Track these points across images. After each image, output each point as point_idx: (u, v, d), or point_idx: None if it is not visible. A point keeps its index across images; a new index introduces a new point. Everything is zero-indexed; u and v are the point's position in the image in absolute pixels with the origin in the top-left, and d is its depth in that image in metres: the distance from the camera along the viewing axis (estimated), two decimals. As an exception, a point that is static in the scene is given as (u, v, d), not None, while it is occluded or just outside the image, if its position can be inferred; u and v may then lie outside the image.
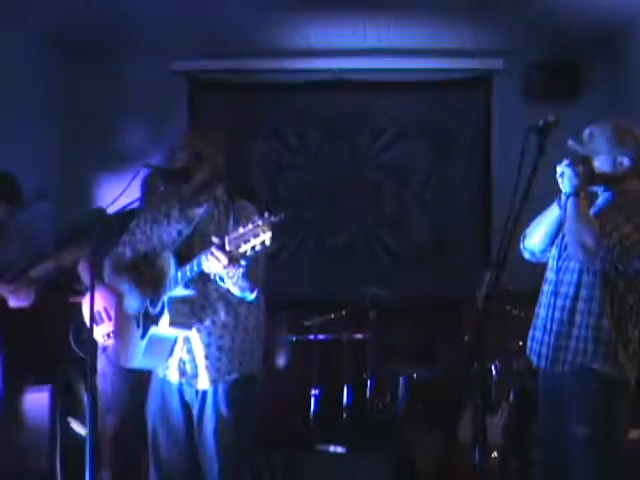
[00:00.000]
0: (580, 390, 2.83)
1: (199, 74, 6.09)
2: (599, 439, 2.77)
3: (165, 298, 2.99)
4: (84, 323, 3.98)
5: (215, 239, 2.71)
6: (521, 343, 4.20)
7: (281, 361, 5.28)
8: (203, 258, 2.80)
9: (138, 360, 3.12)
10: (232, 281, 2.86)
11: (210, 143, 3.16)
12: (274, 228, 2.58)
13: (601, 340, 2.80)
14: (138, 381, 3.64)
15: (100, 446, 3.93)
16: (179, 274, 2.94)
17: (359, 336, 5.20)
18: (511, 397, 4.40)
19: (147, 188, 4.06)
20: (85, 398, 3.95)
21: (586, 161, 2.83)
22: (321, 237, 6.07)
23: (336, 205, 6.05)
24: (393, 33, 5.53)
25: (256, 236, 2.59)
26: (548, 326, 2.91)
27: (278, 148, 6.12)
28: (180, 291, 2.97)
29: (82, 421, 4.10)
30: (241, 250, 2.63)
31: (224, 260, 2.70)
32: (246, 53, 5.86)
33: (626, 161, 2.84)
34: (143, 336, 3.08)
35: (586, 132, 2.87)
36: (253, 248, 2.61)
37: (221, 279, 2.89)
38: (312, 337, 5.18)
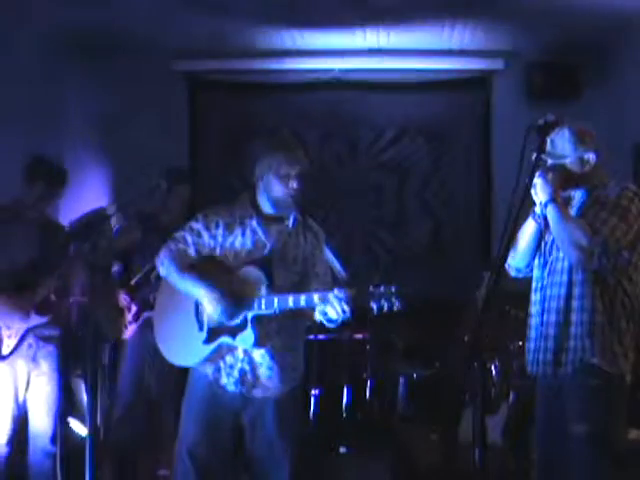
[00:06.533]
0: (579, 387, 2.84)
1: (199, 74, 6.09)
2: (598, 436, 2.78)
3: (249, 315, 2.98)
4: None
5: (342, 286, 2.87)
6: (521, 343, 4.20)
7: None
8: (317, 296, 2.86)
9: (196, 362, 3.11)
10: (332, 321, 2.96)
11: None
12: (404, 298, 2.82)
13: (596, 335, 2.82)
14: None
15: (100, 445, 3.93)
16: (276, 300, 2.93)
17: (359, 336, 5.20)
18: (511, 397, 4.40)
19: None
20: (85, 398, 3.96)
21: (556, 168, 2.88)
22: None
23: (336, 205, 6.05)
24: (393, 33, 5.54)
25: (387, 300, 2.86)
26: (544, 332, 2.92)
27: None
28: (268, 311, 2.98)
29: (82, 421, 4.10)
30: (368, 306, 2.84)
31: (346, 309, 2.86)
32: (246, 53, 5.86)
33: (592, 157, 2.90)
34: (208, 342, 3.06)
35: (547, 142, 2.89)
36: (379, 309, 2.85)
37: (330, 321, 2.96)
38: (312, 337, 5.17)
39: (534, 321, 2.99)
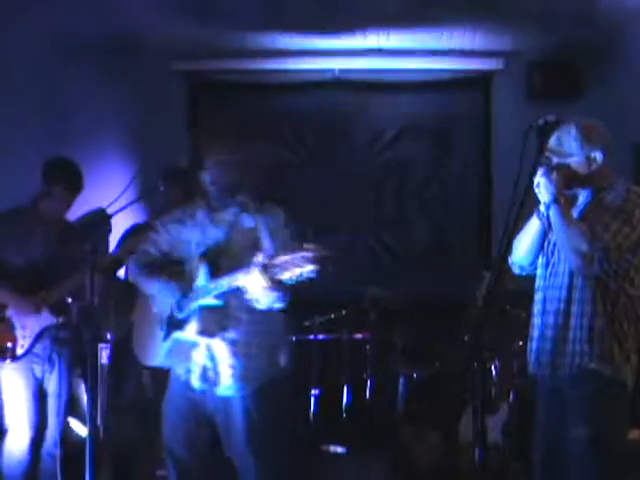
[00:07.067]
0: (579, 392, 2.82)
1: (199, 74, 6.09)
2: (599, 440, 2.76)
3: (194, 306, 3.02)
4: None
5: (258, 259, 2.73)
6: (521, 343, 4.20)
7: (281, 361, 5.27)
8: (240, 275, 2.82)
9: (160, 360, 3.17)
10: (267, 301, 2.92)
11: (231, 154, 3.21)
12: (319, 262, 2.63)
13: (596, 340, 2.79)
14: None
15: (100, 445, 3.93)
16: (212, 285, 2.96)
17: (359, 336, 5.20)
18: (511, 397, 4.40)
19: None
20: (85, 398, 3.96)
21: (560, 167, 2.83)
22: (321, 237, 6.06)
23: (336, 205, 6.05)
24: (393, 33, 5.54)
25: (299, 266, 2.64)
26: (544, 333, 2.90)
27: (278, 148, 6.12)
28: (209, 300, 3.00)
29: (82, 421, 4.10)
30: (283, 277, 2.68)
31: (265, 283, 2.72)
32: (246, 53, 5.86)
33: (599, 156, 2.85)
34: (166, 338, 3.11)
35: (553, 139, 2.84)
36: (294, 277, 2.66)
37: (257, 301, 2.93)
38: (312, 337, 5.18)
39: (536, 321, 2.97)
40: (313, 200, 6.05)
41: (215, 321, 3.04)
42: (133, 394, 4.24)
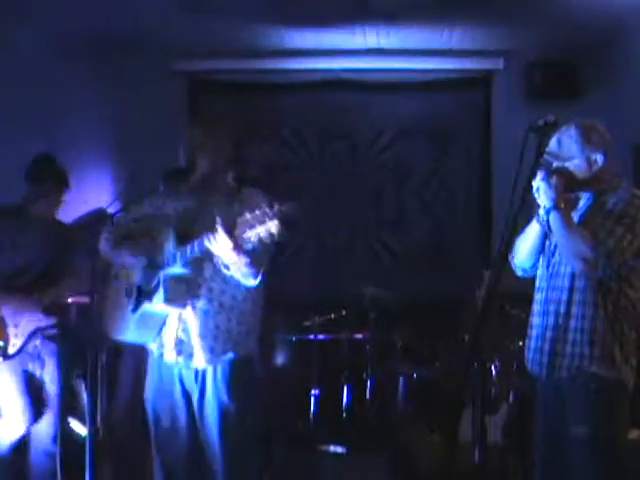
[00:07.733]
0: (579, 392, 2.81)
1: (199, 74, 6.10)
2: (599, 440, 2.76)
3: (161, 275, 2.98)
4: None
5: (220, 220, 2.69)
6: (521, 343, 4.20)
7: (281, 361, 5.28)
8: (206, 239, 2.79)
9: (129, 334, 3.12)
10: (235, 267, 2.88)
11: (213, 138, 3.18)
12: (282, 218, 2.58)
13: (597, 343, 2.78)
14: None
15: (100, 445, 3.93)
16: (178, 253, 2.93)
17: (359, 336, 5.20)
18: (511, 397, 4.40)
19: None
20: (85, 398, 3.96)
21: (560, 171, 2.79)
22: (321, 237, 6.08)
23: (336, 205, 6.05)
24: (393, 33, 5.54)
25: (262, 223, 2.59)
26: (543, 333, 2.89)
27: (278, 148, 6.12)
28: (177, 269, 2.97)
29: (82, 421, 4.10)
30: (245, 235, 2.63)
31: (228, 243, 2.70)
32: (246, 53, 5.86)
33: (600, 158, 2.82)
34: (134, 310, 3.07)
35: (553, 141, 2.83)
36: (259, 235, 2.61)
37: (225, 266, 2.91)
38: (312, 337, 5.18)
39: (535, 320, 2.96)
40: (313, 200, 6.05)
41: (183, 290, 3.00)
42: (132, 393, 4.24)
